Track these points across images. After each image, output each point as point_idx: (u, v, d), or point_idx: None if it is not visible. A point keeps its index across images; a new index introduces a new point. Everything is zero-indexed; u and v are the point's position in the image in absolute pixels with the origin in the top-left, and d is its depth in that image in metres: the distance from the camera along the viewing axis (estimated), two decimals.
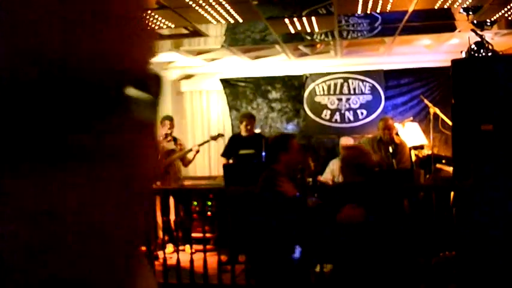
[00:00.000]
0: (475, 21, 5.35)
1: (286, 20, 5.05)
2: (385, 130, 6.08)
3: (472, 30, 5.19)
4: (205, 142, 7.03)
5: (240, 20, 4.94)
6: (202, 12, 4.57)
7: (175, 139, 7.14)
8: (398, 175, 5.55)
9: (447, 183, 5.97)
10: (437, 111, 6.61)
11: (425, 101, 6.87)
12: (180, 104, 8.65)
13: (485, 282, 4.66)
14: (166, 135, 7.04)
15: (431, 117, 6.61)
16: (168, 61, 7.76)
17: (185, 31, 5.47)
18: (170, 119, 7.12)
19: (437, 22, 5.75)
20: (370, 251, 3.57)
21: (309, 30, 5.51)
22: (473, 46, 5.03)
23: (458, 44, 6.48)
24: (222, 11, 4.54)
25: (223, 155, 6.80)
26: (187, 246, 6.06)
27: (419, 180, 5.58)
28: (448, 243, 5.30)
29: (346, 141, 7.13)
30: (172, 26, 5.09)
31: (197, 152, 6.89)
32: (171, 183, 6.91)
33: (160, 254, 5.84)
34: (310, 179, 6.14)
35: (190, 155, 7.01)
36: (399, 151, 6.10)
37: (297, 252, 5.70)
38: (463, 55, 5.16)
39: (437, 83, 7.50)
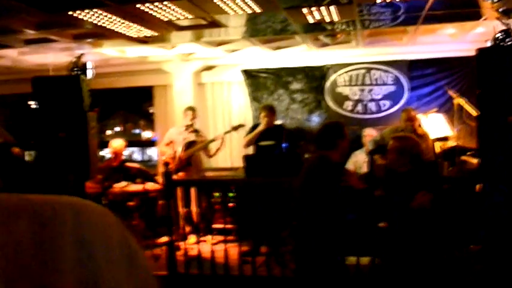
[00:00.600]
0: (501, 9, 5.19)
1: (305, 10, 4.98)
2: (408, 121, 5.98)
3: (498, 18, 5.04)
4: (227, 132, 7.02)
5: (258, 10, 4.89)
6: (220, 3, 4.54)
7: (196, 131, 7.16)
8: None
9: (472, 175, 5.86)
10: (462, 102, 6.47)
11: (450, 92, 6.72)
12: (202, 95, 8.65)
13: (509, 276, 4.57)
14: (188, 126, 7.06)
15: (456, 108, 6.47)
16: (189, 52, 7.77)
17: (204, 22, 5.45)
18: (193, 109, 7.13)
19: (462, 10, 5.60)
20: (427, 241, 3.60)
21: (328, 20, 5.43)
22: (499, 35, 4.88)
23: (483, 33, 6.31)
24: (239, 1, 4.51)
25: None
26: (209, 237, 6.07)
27: (442, 172, 5.46)
28: (472, 237, 5.20)
29: (369, 132, 7.05)
30: (190, 17, 5.08)
31: (222, 140, 6.89)
32: (193, 175, 6.95)
33: (181, 244, 5.86)
34: None
35: (215, 145, 7.02)
36: (422, 143, 5.97)
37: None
38: (489, 44, 5.01)
39: (462, 73, 7.34)
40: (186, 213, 6.60)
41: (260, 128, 6.48)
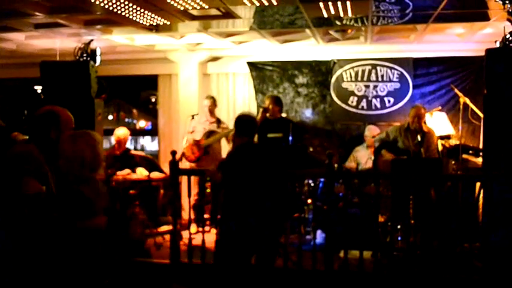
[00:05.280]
0: (511, 11, 5.24)
1: (321, 4, 4.98)
2: (415, 118, 6.03)
3: (508, 19, 5.09)
4: None
5: (275, 3, 4.89)
6: None
7: (219, 121, 7.20)
8: (427, 164, 5.50)
9: (474, 173, 5.94)
10: (468, 101, 6.53)
11: (456, 91, 6.78)
12: (206, 86, 8.63)
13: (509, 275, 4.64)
14: (210, 116, 7.13)
15: (461, 106, 6.53)
16: (196, 42, 7.74)
17: (217, 12, 5.44)
18: (209, 98, 7.27)
19: (472, 11, 5.65)
20: None
21: (342, 14, 5.45)
22: (508, 36, 4.94)
23: (491, 33, 6.37)
24: None
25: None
26: (213, 229, 6.10)
27: (448, 170, 5.52)
28: (472, 233, 5.27)
29: (373, 130, 7.06)
30: (206, 6, 5.07)
31: None
32: (208, 164, 6.93)
33: (184, 233, 5.88)
34: (336, 165, 6.13)
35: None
36: (427, 139, 6.05)
37: (320, 237, 5.73)
38: (498, 45, 5.06)
39: (467, 72, 7.39)
40: (190, 203, 6.62)
41: (258, 117, 6.50)
